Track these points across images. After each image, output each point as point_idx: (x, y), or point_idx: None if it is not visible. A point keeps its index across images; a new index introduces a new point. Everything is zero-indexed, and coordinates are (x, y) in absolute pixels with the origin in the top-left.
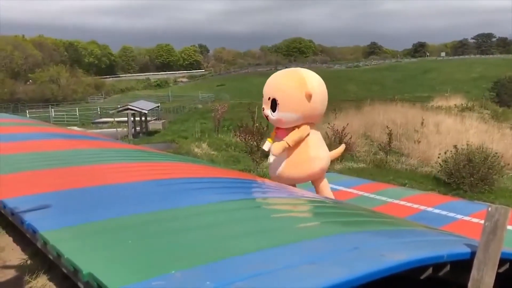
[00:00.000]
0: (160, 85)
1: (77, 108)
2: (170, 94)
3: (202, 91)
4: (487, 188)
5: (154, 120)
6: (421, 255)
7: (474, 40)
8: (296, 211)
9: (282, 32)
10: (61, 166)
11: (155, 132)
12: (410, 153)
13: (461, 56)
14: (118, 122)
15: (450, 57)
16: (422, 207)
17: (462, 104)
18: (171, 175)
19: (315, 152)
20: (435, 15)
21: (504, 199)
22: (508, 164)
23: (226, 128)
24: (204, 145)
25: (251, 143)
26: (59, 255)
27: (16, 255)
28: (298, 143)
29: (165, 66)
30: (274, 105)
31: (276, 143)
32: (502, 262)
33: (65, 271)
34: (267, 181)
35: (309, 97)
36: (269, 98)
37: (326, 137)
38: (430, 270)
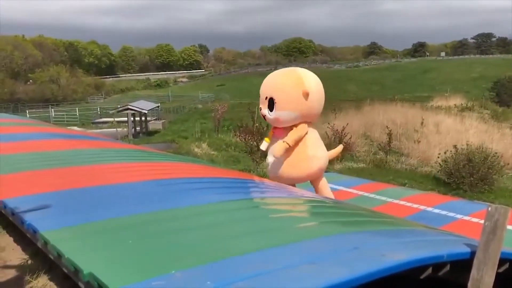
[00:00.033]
0: (160, 85)
1: (77, 108)
2: (170, 94)
3: (202, 91)
4: (487, 188)
5: (154, 120)
6: (421, 255)
7: (474, 40)
8: (296, 211)
9: (282, 32)
10: (61, 166)
11: (155, 132)
12: (410, 153)
13: (461, 56)
14: (118, 122)
15: (450, 57)
16: (422, 207)
17: (462, 104)
18: (171, 175)
19: (313, 151)
20: (435, 15)
21: (504, 199)
22: (508, 164)
23: (226, 128)
24: (204, 145)
25: (251, 143)
26: (59, 255)
27: (16, 255)
28: (297, 142)
29: (165, 66)
30: (271, 104)
31: (277, 144)
32: (502, 262)
33: (65, 271)
34: (267, 181)
35: (306, 95)
36: (266, 98)
37: (326, 137)
38: (430, 270)
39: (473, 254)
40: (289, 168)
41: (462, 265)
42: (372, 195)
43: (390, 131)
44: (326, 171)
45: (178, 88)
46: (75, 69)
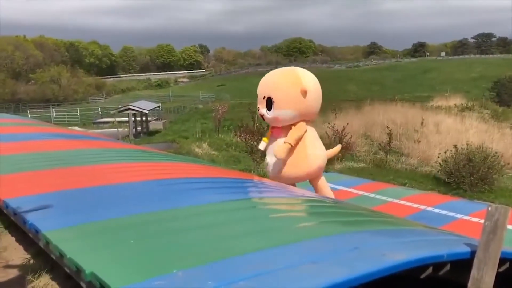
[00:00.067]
0: (160, 85)
1: (78, 108)
2: (171, 94)
3: (203, 91)
4: (487, 188)
5: (155, 120)
6: (421, 254)
7: (474, 40)
8: (296, 211)
9: (282, 32)
10: (62, 166)
11: (156, 132)
12: (410, 153)
13: (461, 56)
14: (119, 122)
15: (450, 57)
16: (422, 207)
17: (462, 104)
18: (172, 175)
19: (313, 149)
20: (435, 15)
21: (504, 199)
22: (508, 164)
23: (226, 128)
24: (205, 145)
25: (252, 143)
26: (61, 255)
27: (18, 254)
28: (297, 141)
29: (166, 66)
30: (269, 103)
31: (279, 146)
32: (502, 261)
33: (67, 270)
34: (267, 181)
35: (304, 93)
36: (264, 97)
37: (326, 137)
38: (430, 270)
39: (473, 253)
40: (288, 168)
41: (462, 265)
42: (372, 195)
43: (390, 131)
44: (326, 171)
45: (178, 88)
46: (76, 69)
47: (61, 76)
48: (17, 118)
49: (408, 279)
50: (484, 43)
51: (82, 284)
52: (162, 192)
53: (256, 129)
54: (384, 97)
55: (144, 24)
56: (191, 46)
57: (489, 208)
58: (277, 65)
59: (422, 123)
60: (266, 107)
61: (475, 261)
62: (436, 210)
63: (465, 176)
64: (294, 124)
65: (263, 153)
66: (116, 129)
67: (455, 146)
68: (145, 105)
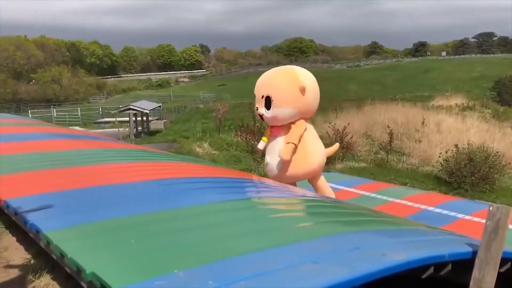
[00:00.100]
0: (161, 85)
1: (79, 108)
2: (172, 94)
3: (204, 91)
4: (488, 187)
5: (155, 120)
6: (422, 254)
7: (475, 40)
8: (297, 211)
9: (283, 32)
10: (63, 166)
11: (157, 132)
12: (411, 153)
13: (462, 56)
14: (120, 122)
15: (451, 57)
16: (423, 207)
17: (463, 104)
18: (173, 175)
19: (312, 147)
20: (436, 14)
21: (505, 198)
22: (509, 163)
23: (227, 128)
24: (206, 145)
25: (252, 142)
26: (62, 255)
27: (19, 254)
28: (299, 139)
29: (167, 66)
30: (268, 102)
31: (283, 147)
32: (503, 261)
33: (68, 270)
34: (268, 181)
35: (303, 90)
36: (262, 97)
37: (327, 137)
38: (431, 270)
39: (474, 253)
40: (289, 166)
41: (463, 265)
42: (373, 195)
43: (391, 130)
44: (327, 171)
45: (179, 88)
46: (77, 69)
47: (62, 76)
48: (18, 118)
49: (409, 279)
50: (485, 42)
51: (82, 284)
52: (163, 192)
53: (257, 128)
54: (385, 97)
55: (144, 24)
56: (192, 46)
57: (491, 208)
58: (278, 64)
59: (423, 122)
60: (265, 106)
61: (477, 261)
62: (437, 210)
63: (466, 175)
64: (293, 122)
65: (264, 153)
66: (117, 129)
67: (456, 145)
68: (146, 105)
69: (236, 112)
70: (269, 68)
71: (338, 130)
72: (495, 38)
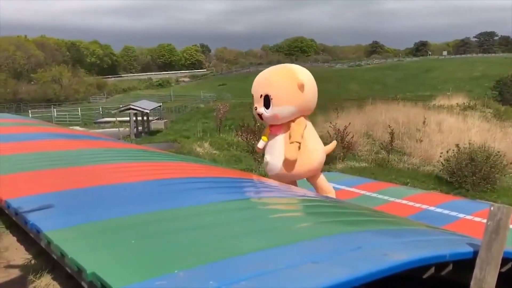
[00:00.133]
0: (162, 84)
1: (79, 108)
2: (172, 94)
3: (204, 91)
4: (489, 187)
5: (156, 119)
6: (423, 254)
7: (476, 39)
8: (297, 211)
9: (283, 31)
10: (63, 166)
11: (157, 131)
12: (412, 152)
13: (463, 55)
14: (120, 121)
15: (452, 56)
16: (424, 206)
17: (464, 103)
18: (173, 175)
19: (313, 145)
20: (437, 14)
21: (506, 198)
22: (511, 163)
23: (228, 128)
24: (206, 145)
25: (253, 142)
26: (62, 255)
27: (20, 254)
28: (302, 137)
29: (167, 66)
30: (267, 102)
31: (289, 148)
32: (504, 261)
33: (69, 270)
34: (268, 180)
35: (301, 87)
36: (261, 96)
37: (328, 137)
38: (432, 270)
39: (475, 253)
40: (289, 165)
41: (464, 265)
42: (374, 195)
43: (392, 130)
44: (328, 171)
45: (180, 88)
46: (77, 69)
47: (62, 76)
48: (18, 118)
49: (410, 279)
50: (486, 42)
51: (83, 284)
52: (163, 192)
53: (257, 128)
54: (386, 96)
55: (145, 24)
56: (192, 45)
57: (492, 208)
58: (279, 64)
59: (424, 122)
60: (264, 105)
61: (478, 261)
62: (438, 210)
63: (467, 175)
64: (293, 120)
65: (264, 152)
66: (117, 129)
67: (457, 145)
68: (146, 105)
69: (236, 111)
70: None
71: (339, 129)
72: (496, 38)
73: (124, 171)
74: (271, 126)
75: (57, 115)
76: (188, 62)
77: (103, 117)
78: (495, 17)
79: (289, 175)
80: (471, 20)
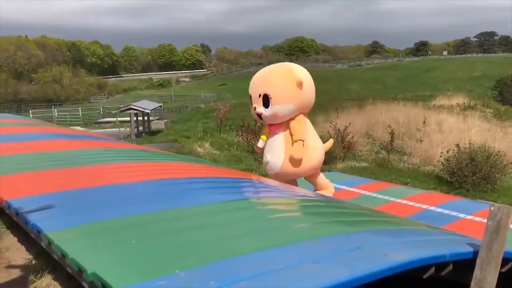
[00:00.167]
0: (162, 84)
1: (80, 108)
2: (173, 94)
3: (205, 91)
4: (489, 187)
5: (156, 119)
6: (423, 254)
7: (476, 39)
8: (298, 211)
9: (284, 31)
10: (64, 166)
11: (158, 131)
12: (412, 152)
13: (463, 55)
14: (121, 122)
15: (452, 56)
16: (425, 206)
17: (464, 103)
18: (173, 175)
19: (313, 142)
20: (437, 13)
21: (507, 198)
22: (511, 163)
23: (228, 128)
24: (207, 145)
25: (253, 142)
26: (63, 255)
27: (21, 255)
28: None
29: (168, 66)
30: (266, 101)
31: (294, 148)
32: (505, 261)
33: (69, 270)
34: (268, 180)
35: (300, 85)
36: (260, 95)
37: (328, 136)
38: (432, 270)
39: (476, 253)
40: (289, 164)
41: (465, 265)
42: (374, 195)
43: (393, 130)
44: (328, 171)
45: (180, 88)
46: (78, 69)
47: (63, 76)
48: (19, 118)
49: (411, 279)
50: (487, 42)
51: (84, 284)
52: (163, 192)
53: (258, 128)
54: (386, 96)
55: (145, 24)
56: (193, 45)
57: (492, 208)
58: None
59: (424, 122)
60: (263, 105)
61: (478, 261)
62: (439, 210)
63: (467, 175)
64: (292, 118)
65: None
66: (118, 129)
67: (457, 145)
68: (147, 105)
69: (237, 111)
70: None
71: (339, 129)
72: (496, 38)
73: (124, 171)
74: (270, 125)
75: (57, 115)
76: (188, 62)
77: (103, 117)
78: (496, 17)
79: (289, 174)
80: (472, 20)
